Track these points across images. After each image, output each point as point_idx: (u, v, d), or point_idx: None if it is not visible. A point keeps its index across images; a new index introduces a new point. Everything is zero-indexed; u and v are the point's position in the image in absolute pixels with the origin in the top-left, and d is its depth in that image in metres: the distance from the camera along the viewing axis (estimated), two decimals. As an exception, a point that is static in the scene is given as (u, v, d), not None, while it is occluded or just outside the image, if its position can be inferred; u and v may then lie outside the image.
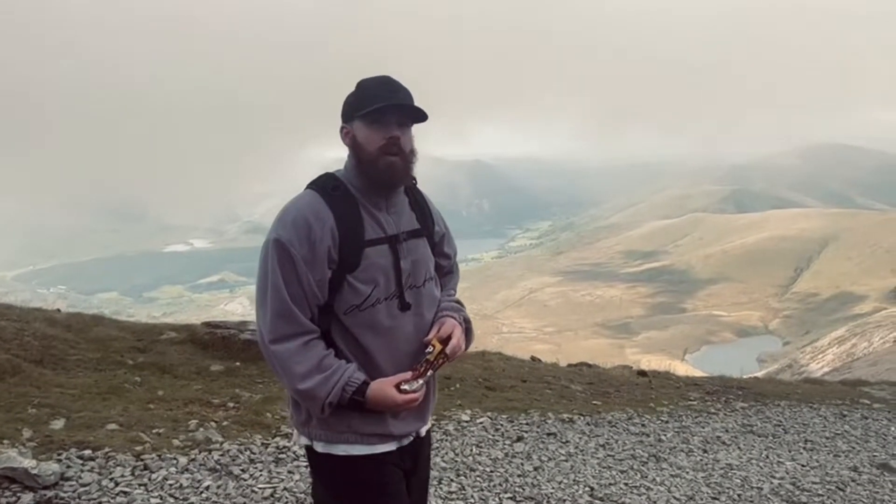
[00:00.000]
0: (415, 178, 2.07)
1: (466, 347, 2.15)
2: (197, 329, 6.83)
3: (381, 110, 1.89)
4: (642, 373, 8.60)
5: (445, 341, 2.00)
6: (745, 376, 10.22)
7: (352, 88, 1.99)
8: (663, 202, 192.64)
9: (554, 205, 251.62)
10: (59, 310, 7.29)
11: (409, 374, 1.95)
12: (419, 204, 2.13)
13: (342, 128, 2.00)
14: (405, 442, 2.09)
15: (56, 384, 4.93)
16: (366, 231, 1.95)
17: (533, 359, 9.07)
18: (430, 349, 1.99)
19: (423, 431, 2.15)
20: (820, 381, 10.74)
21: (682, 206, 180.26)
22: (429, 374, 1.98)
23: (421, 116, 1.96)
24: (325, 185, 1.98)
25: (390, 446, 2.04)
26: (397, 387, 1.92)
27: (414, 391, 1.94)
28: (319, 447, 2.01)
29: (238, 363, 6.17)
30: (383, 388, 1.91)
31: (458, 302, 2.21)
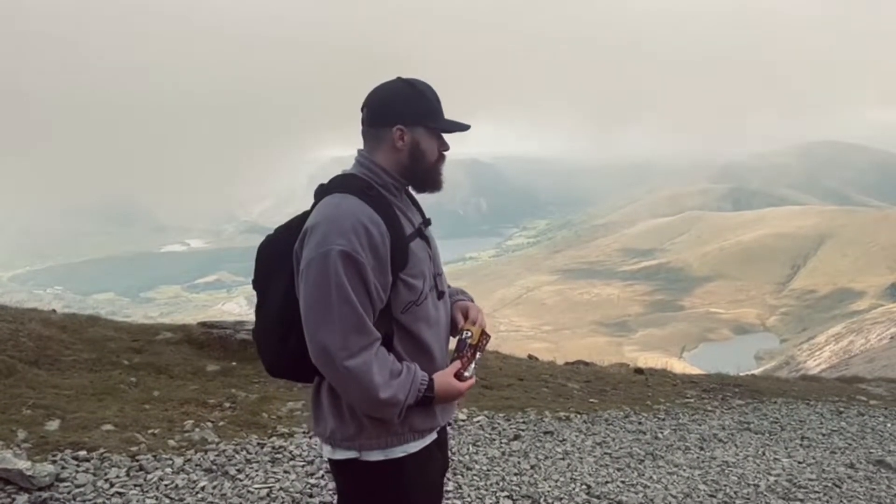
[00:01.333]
0: None
1: None
2: (193, 329, 6.81)
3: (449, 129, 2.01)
4: (639, 371, 8.59)
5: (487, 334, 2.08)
6: (742, 374, 10.23)
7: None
8: (660, 200, 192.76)
9: (551, 203, 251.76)
10: (54, 310, 7.27)
11: (458, 364, 1.98)
12: (413, 197, 2.16)
13: (398, 128, 1.95)
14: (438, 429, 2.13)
15: (51, 385, 4.91)
16: (404, 227, 1.97)
17: (530, 357, 9.07)
18: (468, 334, 2.03)
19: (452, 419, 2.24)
20: (817, 378, 10.75)
21: (679, 204, 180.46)
22: (477, 356, 2.02)
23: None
24: (360, 188, 1.93)
25: (434, 435, 2.08)
26: (457, 376, 1.96)
27: (471, 377, 2.00)
28: (374, 455, 1.96)
29: (234, 363, 6.16)
30: (447, 379, 1.94)
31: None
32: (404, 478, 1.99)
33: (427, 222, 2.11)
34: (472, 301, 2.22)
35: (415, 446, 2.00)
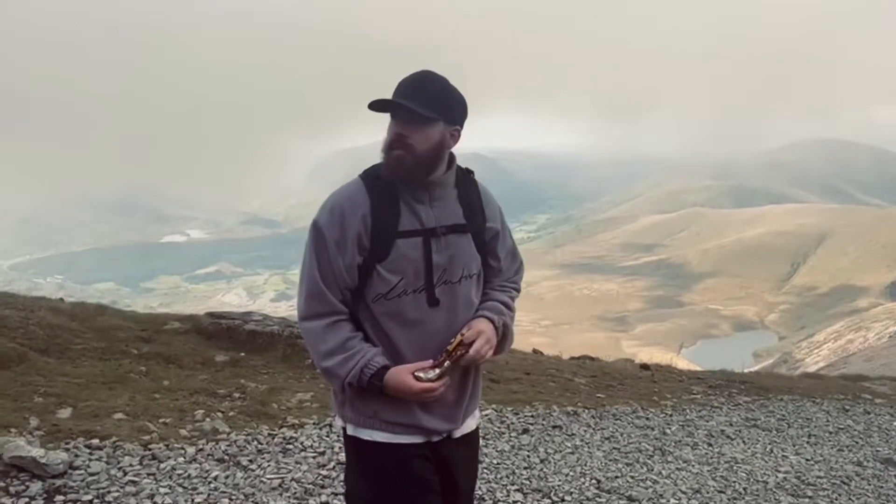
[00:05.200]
0: (471, 171, 2.10)
1: (499, 352, 2.10)
2: (201, 319, 6.81)
3: (376, 107, 1.90)
4: (645, 366, 8.60)
5: (470, 344, 1.97)
6: (746, 370, 10.24)
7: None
8: (661, 196, 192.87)
9: (552, 198, 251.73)
10: (62, 299, 7.28)
11: (427, 364, 1.95)
12: (469, 198, 2.06)
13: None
14: (434, 439, 2.05)
15: (61, 373, 4.92)
16: (401, 222, 1.95)
17: (535, 351, 9.08)
18: (452, 341, 1.97)
19: (455, 434, 2.10)
20: (821, 376, 10.78)
21: (679, 200, 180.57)
22: (446, 365, 1.94)
23: (415, 117, 1.87)
24: (371, 174, 2.00)
25: (416, 439, 2.02)
26: (414, 374, 1.92)
27: (430, 380, 1.92)
28: (350, 430, 2.06)
29: (243, 354, 6.16)
30: (401, 373, 1.91)
31: (507, 305, 2.13)
32: (364, 463, 2.04)
33: (460, 227, 2.02)
34: (503, 325, 2.08)
35: (382, 436, 1.99)
